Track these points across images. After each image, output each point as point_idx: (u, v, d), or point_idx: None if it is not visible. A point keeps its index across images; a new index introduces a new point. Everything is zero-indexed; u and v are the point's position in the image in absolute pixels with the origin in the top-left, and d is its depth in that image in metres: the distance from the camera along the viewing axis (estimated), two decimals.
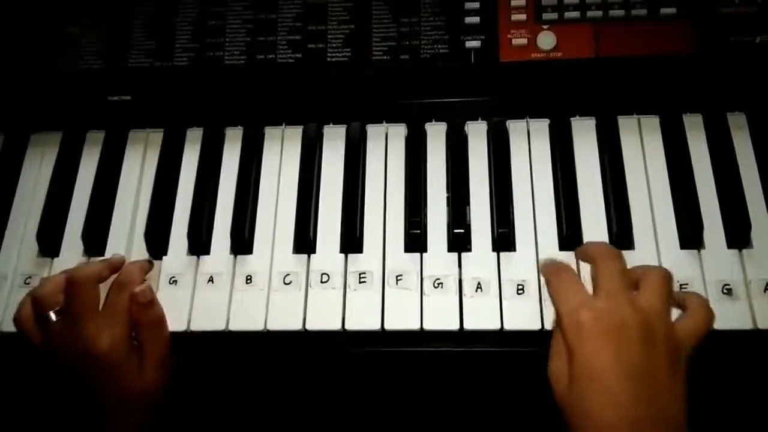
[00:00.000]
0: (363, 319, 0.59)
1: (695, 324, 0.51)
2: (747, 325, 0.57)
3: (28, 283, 0.64)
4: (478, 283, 0.59)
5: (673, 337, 0.50)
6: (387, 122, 0.69)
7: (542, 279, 0.59)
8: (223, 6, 0.71)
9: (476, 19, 0.68)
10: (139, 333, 0.58)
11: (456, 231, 0.62)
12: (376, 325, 0.59)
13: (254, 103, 0.69)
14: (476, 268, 0.60)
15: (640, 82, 0.66)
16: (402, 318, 0.59)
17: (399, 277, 0.61)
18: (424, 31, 0.68)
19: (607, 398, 0.47)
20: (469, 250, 0.62)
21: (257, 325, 0.60)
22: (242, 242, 0.63)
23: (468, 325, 0.58)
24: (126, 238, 0.65)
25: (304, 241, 0.63)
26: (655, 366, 0.48)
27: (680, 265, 0.59)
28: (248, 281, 0.62)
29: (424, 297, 0.60)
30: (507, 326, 0.58)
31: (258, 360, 0.65)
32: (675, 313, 0.53)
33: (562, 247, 0.61)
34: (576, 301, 0.51)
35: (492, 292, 0.59)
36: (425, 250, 0.62)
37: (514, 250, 0.61)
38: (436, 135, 0.68)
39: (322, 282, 0.61)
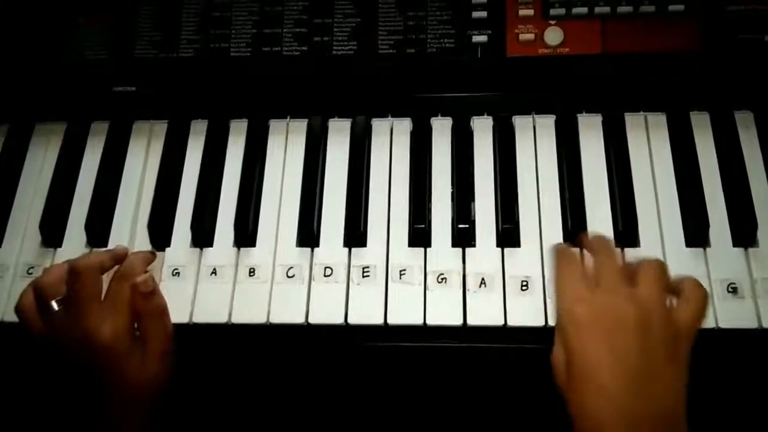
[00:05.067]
0: (366, 313, 0.59)
1: (692, 309, 0.50)
2: (752, 324, 0.56)
3: (31, 273, 0.64)
4: (482, 279, 0.59)
5: (672, 327, 0.49)
6: (392, 116, 0.69)
7: (547, 275, 0.59)
8: None
9: (483, 14, 0.68)
10: (141, 324, 0.58)
11: (460, 226, 0.62)
12: (379, 320, 0.59)
13: (259, 95, 0.69)
14: (480, 263, 0.60)
15: (647, 78, 0.65)
16: (405, 313, 0.59)
17: (402, 272, 0.60)
18: (430, 24, 0.68)
19: (602, 395, 0.47)
20: (474, 245, 0.61)
21: (260, 318, 0.60)
22: (246, 235, 0.63)
23: (471, 321, 0.58)
24: (129, 229, 0.65)
25: (308, 235, 0.63)
26: (653, 359, 0.47)
27: (685, 263, 0.59)
28: (251, 274, 0.62)
29: (427, 292, 0.59)
30: (510, 322, 0.58)
31: (260, 353, 0.65)
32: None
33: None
34: (574, 294, 0.51)
35: (496, 287, 0.59)
36: (429, 245, 0.62)
37: (519, 246, 0.61)
38: (441, 130, 0.68)
39: (325, 276, 0.61)
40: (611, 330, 0.48)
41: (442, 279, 0.60)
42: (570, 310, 0.50)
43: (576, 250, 0.57)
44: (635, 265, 0.53)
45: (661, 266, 0.52)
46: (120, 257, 0.61)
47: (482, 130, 0.67)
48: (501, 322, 0.58)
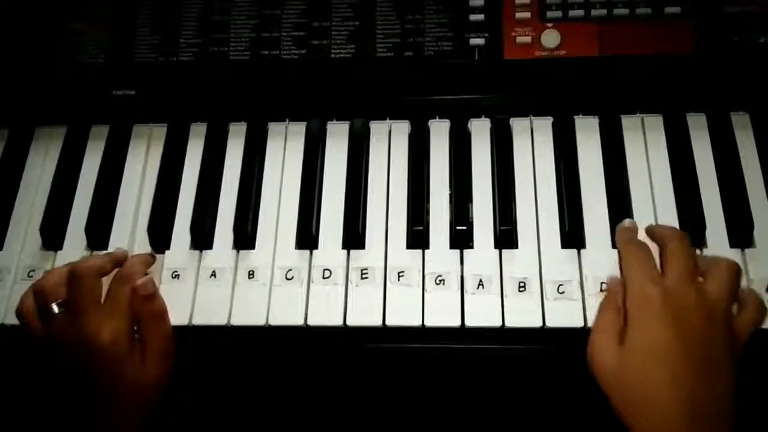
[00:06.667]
0: (364, 315, 0.59)
1: (750, 317, 0.53)
2: None
3: (31, 276, 0.64)
4: (480, 280, 0.59)
5: (731, 328, 0.52)
6: (390, 119, 0.69)
7: (544, 277, 0.59)
8: (228, 1, 0.71)
9: (481, 17, 0.68)
10: (140, 326, 0.58)
11: (458, 228, 0.62)
12: (377, 322, 0.59)
13: (258, 98, 0.70)
14: (478, 265, 0.60)
15: (643, 81, 0.66)
16: (403, 314, 0.59)
17: (401, 274, 0.61)
18: (428, 28, 0.68)
19: (667, 373, 0.49)
20: (471, 247, 0.62)
21: (259, 320, 0.60)
22: (245, 237, 0.64)
23: (469, 323, 0.58)
24: (129, 232, 0.66)
25: (307, 237, 0.63)
26: (713, 351, 0.50)
27: None
28: (250, 276, 0.62)
29: (425, 293, 0.60)
30: (508, 324, 0.58)
31: (260, 355, 0.65)
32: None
33: (565, 244, 0.61)
34: (647, 276, 0.53)
35: (493, 289, 0.59)
36: (427, 247, 0.62)
37: (516, 247, 0.61)
38: (439, 132, 0.68)
39: (324, 278, 0.61)
40: (678, 313, 0.50)
41: (440, 280, 0.60)
42: (643, 288, 0.52)
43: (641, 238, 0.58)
44: (709, 260, 0.55)
45: (735, 269, 0.54)
46: (120, 260, 0.61)
47: (480, 132, 0.67)
48: (499, 324, 0.58)
